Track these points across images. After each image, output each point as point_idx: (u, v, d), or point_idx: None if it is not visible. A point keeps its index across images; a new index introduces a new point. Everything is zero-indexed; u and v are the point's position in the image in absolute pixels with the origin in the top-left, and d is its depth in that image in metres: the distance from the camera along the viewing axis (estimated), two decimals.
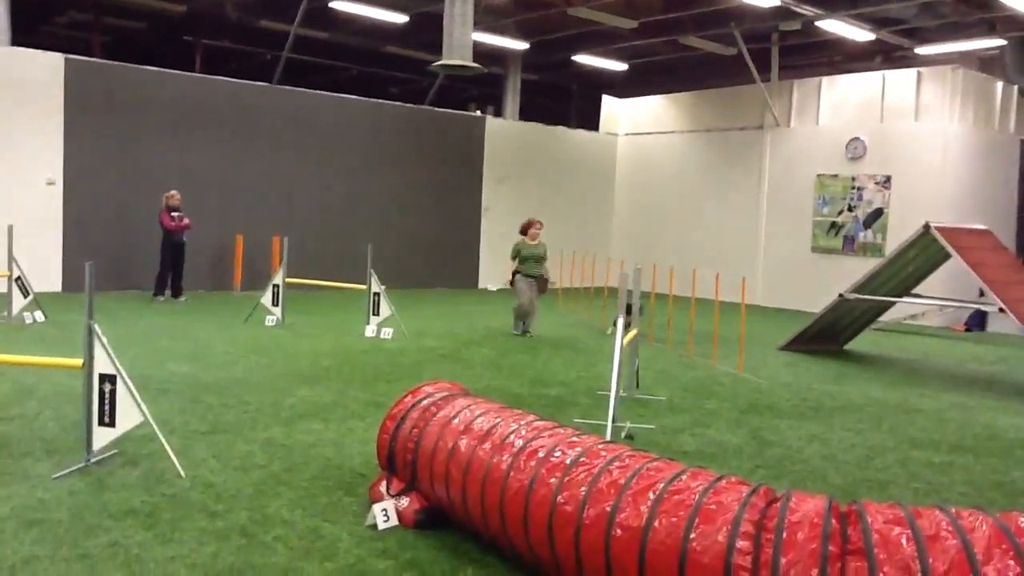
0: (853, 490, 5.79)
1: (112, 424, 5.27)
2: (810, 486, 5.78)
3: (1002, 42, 17.50)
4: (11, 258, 11.32)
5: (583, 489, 3.80)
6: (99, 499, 4.82)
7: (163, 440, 5.32)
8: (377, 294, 11.67)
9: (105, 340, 5.22)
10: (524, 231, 12.47)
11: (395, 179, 19.34)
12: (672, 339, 12.11)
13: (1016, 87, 18.84)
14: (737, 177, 20.64)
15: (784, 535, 3.20)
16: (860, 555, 3.06)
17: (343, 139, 18.62)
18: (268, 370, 9.00)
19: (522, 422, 4.45)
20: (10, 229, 11.42)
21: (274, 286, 12.29)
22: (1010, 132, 19.04)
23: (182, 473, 5.26)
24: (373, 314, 11.67)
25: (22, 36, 15.34)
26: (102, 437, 5.30)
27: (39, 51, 15.30)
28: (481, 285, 20.76)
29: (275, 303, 12.27)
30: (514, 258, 12.42)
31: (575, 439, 4.19)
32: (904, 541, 3.03)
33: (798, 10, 15.78)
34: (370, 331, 11.57)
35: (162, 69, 16.57)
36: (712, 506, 3.45)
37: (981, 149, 18.07)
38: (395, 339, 11.38)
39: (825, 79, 19.49)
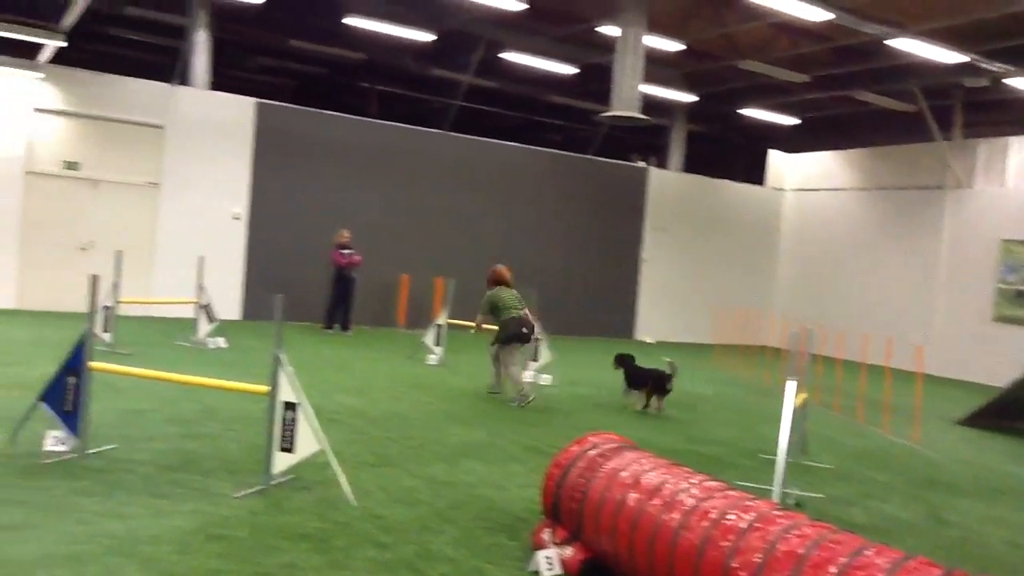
0: None
1: (291, 450, 5.51)
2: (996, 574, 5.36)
3: None
4: (200, 286, 12.15)
5: (758, 556, 3.68)
6: (276, 521, 5.04)
7: (337, 469, 5.52)
8: (537, 339, 11.75)
9: (291, 370, 5.50)
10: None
11: (556, 226, 19.57)
12: (840, 404, 11.59)
13: None
14: (912, 239, 19.69)
15: None
16: None
17: (508, 185, 19.04)
18: (429, 407, 9.22)
19: (692, 480, 4.37)
20: (201, 260, 12.27)
21: (437, 326, 12.61)
22: None
23: (352, 502, 5.44)
24: (532, 360, 11.75)
25: (216, 80, 16.59)
26: (281, 462, 5.56)
27: (234, 95, 16.49)
28: (638, 336, 20.58)
29: (437, 343, 12.59)
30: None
31: (749, 503, 4.07)
32: None
33: (986, 66, 15.03)
34: (528, 376, 11.64)
35: (340, 114, 17.52)
36: None
37: None
38: (553, 385, 11.42)
39: (1015, 139, 18.39)
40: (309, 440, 5.47)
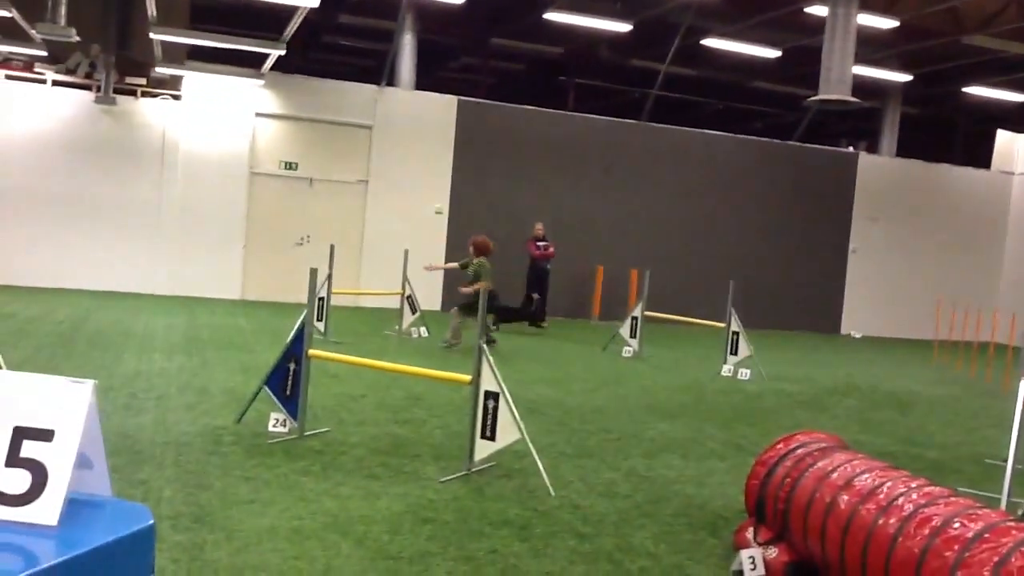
0: None
1: (492, 438, 5.65)
2: None
3: None
4: (405, 278, 12.69)
5: (987, 570, 3.39)
6: (479, 506, 5.18)
7: (536, 458, 5.60)
8: (736, 333, 11.45)
9: (492, 360, 5.63)
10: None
11: (757, 216, 18.95)
12: None
13: None
14: None
15: None
16: None
17: (707, 175, 18.63)
18: (626, 400, 9.17)
19: (912, 485, 4.08)
20: (406, 253, 12.82)
21: (633, 318, 12.54)
22: None
23: (552, 491, 5.50)
24: (731, 353, 11.46)
25: (419, 79, 17.26)
26: (483, 449, 5.71)
27: (437, 94, 17.09)
28: (844, 331, 19.59)
29: (632, 335, 12.52)
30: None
31: (976, 512, 3.76)
32: None
33: None
34: (727, 370, 11.37)
35: (538, 108, 17.74)
36: None
37: None
38: (752, 380, 11.08)
39: None
40: (510, 429, 5.58)
